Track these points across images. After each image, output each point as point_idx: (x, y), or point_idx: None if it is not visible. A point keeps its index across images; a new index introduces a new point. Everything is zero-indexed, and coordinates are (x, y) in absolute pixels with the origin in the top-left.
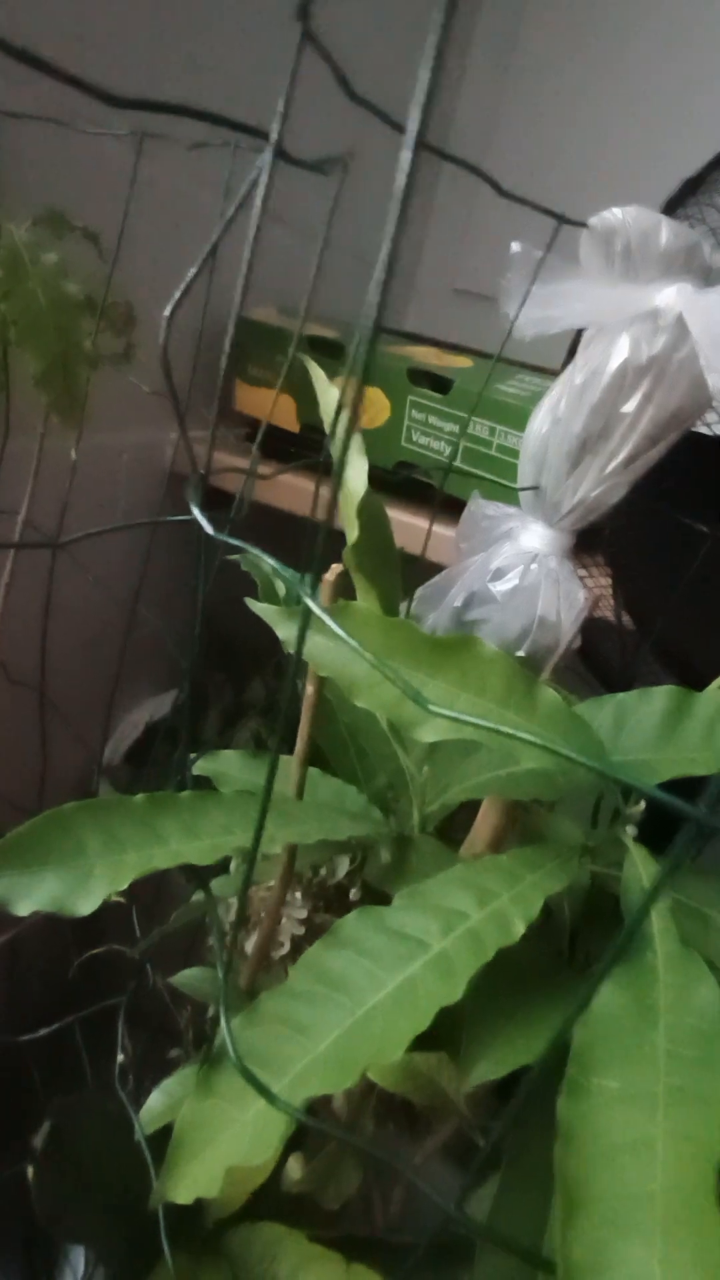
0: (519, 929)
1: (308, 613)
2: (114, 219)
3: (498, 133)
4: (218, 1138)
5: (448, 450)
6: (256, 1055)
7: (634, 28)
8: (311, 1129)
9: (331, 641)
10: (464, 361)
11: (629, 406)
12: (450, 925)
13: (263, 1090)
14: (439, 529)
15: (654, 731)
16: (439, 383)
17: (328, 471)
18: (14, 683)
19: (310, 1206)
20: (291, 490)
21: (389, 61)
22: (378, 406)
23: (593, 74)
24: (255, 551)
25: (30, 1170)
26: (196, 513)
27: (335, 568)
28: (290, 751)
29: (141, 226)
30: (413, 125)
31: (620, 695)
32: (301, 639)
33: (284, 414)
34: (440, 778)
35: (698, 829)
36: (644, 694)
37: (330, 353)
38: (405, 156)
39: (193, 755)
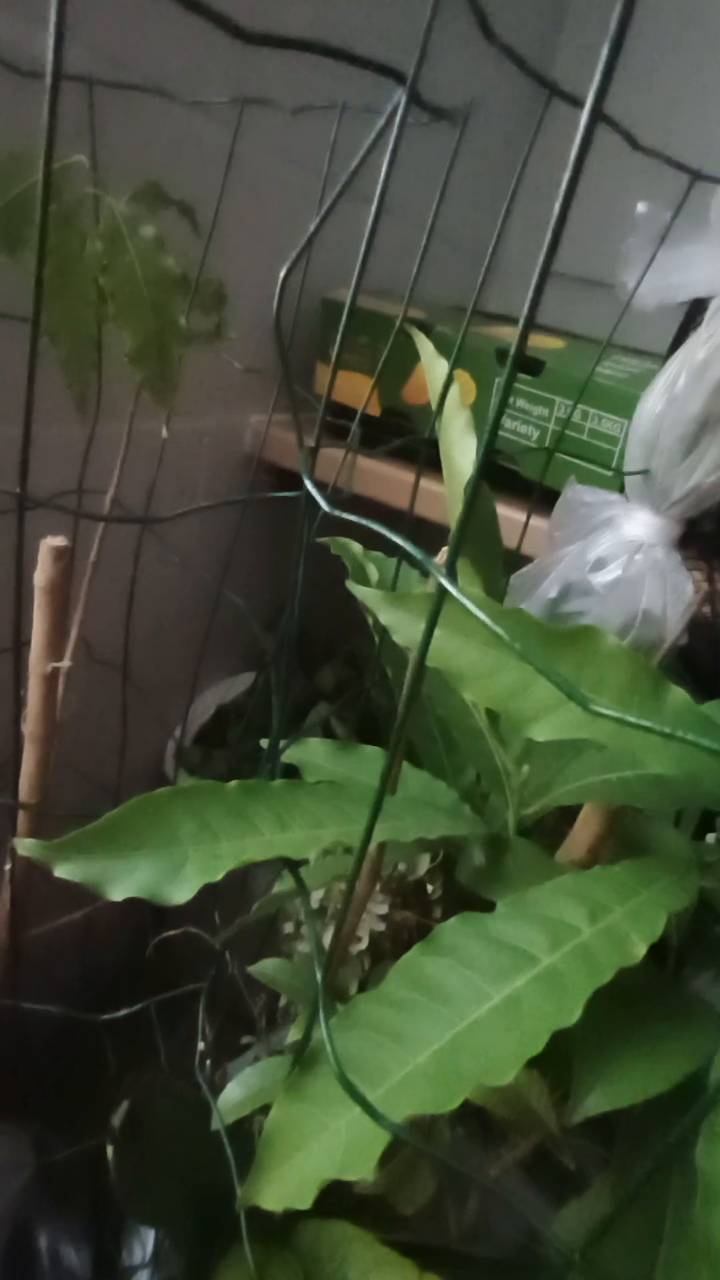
0: (639, 949)
1: (439, 597)
2: (206, 198)
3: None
4: (309, 1144)
5: (536, 435)
6: (350, 1061)
7: None
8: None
9: (440, 629)
10: (556, 342)
11: None
12: (559, 939)
13: (366, 1106)
14: (516, 515)
15: None
16: (528, 364)
17: (429, 451)
18: (96, 661)
19: (382, 1207)
20: (377, 477)
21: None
22: (464, 389)
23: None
24: (376, 526)
25: (110, 1149)
26: (309, 484)
27: (444, 551)
28: (369, 741)
29: (233, 205)
30: (594, 91)
31: None
32: (432, 626)
33: (364, 396)
34: (539, 777)
35: None
36: None
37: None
38: (584, 121)
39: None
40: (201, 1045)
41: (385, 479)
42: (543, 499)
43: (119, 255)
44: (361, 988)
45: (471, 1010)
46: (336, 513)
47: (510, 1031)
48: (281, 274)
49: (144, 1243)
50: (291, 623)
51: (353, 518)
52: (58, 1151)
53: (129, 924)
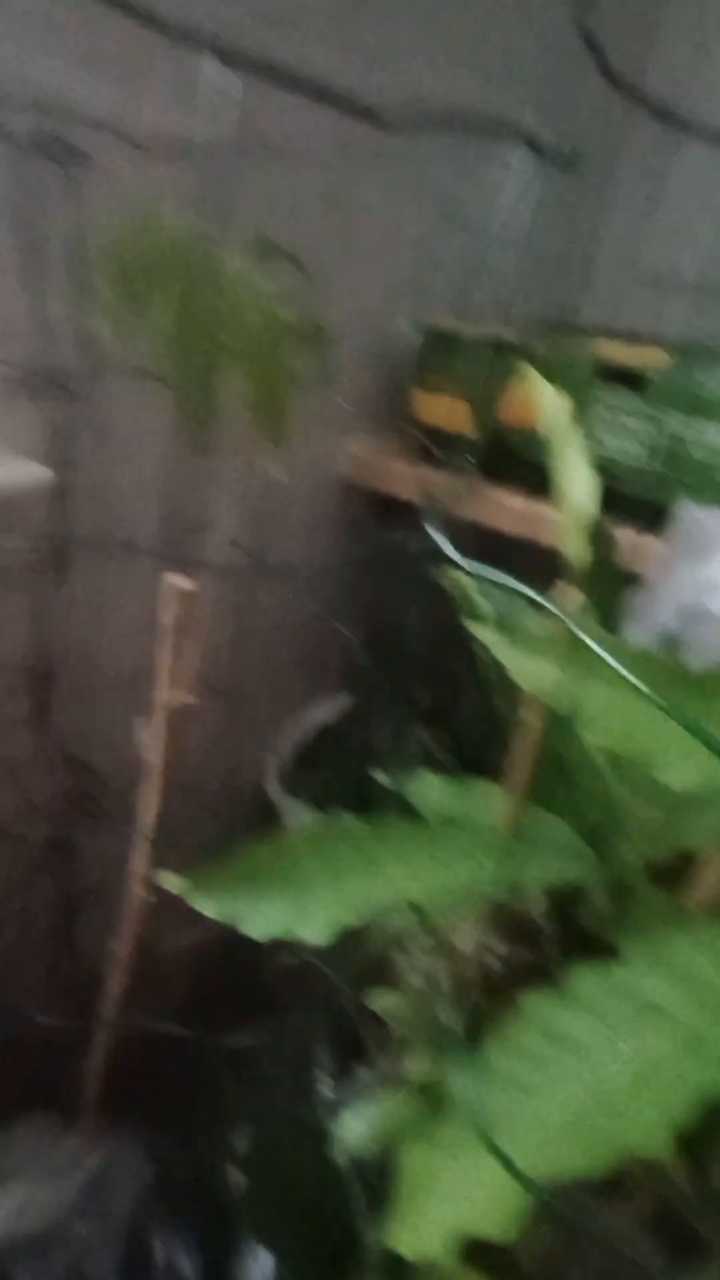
0: None
1: (578, 644)
2: (306, 240)
3: (698, 78)
4: (445, 1196)
5: (642, 452)
6: (481, 1112)
7: None
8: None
9: (559, 667)
10: (660, 354)
11: None
12: (697, 996)
13: (517, 1173)
14: (623, 534)
15: None
16: (631, 378)
17: (535, 480)
18: (207, 693)
19: (501, 1256)
20: (481, 501)
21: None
22: None
23: None
24: (492, 574)
25: (231, 1170)
26: (436, 535)
27: (566, 590)
28: (466, 764)
29: (343, 245)
30: None
31: None
32: (570, 672)
33: (461, 420)
34: (662, 818)
35: None
36: None
37: (510, 355)
38: None
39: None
40: (320, 1073)
41: (489, 503)
42: (652, 516)
43: (237, 309)
44: (477, 1027)
45: (606, 1068)
46: (476, 570)
47: (652, 1091)
48: (382, 308)
49: (256, 1257)
50: (397, 664)
51: (472, 572)
52: (172, 1162)
53: (248, 943)
